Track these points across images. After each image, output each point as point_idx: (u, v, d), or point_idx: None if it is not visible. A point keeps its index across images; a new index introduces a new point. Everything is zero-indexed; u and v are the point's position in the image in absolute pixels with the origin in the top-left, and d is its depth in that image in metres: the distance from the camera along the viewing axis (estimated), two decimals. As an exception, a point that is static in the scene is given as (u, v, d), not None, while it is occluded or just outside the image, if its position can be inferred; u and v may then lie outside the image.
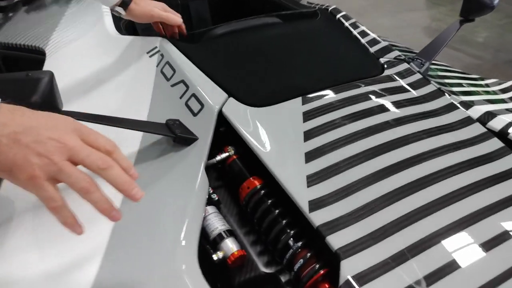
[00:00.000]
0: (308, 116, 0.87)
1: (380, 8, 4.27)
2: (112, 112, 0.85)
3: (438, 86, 1.01)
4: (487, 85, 1.26)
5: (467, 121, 0.90)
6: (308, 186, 0.74)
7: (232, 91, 0.93)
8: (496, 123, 0.91)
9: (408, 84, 1.00)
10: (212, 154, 0.86)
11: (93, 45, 1.31)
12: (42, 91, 0.71)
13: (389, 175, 0.75)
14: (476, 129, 0.88)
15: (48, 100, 0.73)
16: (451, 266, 0.62)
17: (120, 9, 1.09)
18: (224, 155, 0.87)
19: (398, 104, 0.93)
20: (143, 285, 0.66)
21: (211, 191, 0.85)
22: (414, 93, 0.97)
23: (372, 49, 1.15)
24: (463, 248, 0.64)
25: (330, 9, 1.39)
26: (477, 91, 1.18)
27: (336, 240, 0.65)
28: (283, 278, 0.76)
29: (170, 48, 1.08)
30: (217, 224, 0.79)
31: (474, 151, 0.82)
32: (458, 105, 0.95)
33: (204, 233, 0.79)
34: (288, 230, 0.73)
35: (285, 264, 0.72)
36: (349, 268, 0.62)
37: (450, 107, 0.94)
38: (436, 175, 0.76)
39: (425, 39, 3.13)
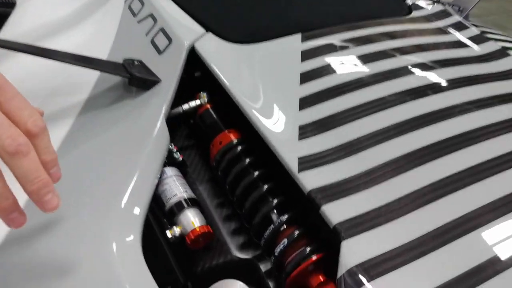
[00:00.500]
0: (308, 55, 0.66)
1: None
2: (71, 50, 0.66)
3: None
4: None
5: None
6: (300, 139, 0.52)
7: (211, 25, 0.72)
8: None
9: (443, 26, 0.77)
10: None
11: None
12: None
13: (411, 130, 0.54)
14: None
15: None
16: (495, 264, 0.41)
17: None
18: (193, 103, 0.66)
19: (426, 47, 0.71)
20: (65, 259, 0.46)
21: (175, 149, 0.64)
22: (453, 36, 0.74)
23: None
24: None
25: None
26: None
27: (336, 212, 0.44)
28: (264, 267, 0.55)
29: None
30: (176, 190, 0.58)
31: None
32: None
33: (159, 202, 0.58)
34: (270, 199, 0.52)
35: (263, 245, 0.51)
36: (353, 253, 0.41)
37: (502, 53, 0.71)
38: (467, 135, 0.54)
39: None
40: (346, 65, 0.65)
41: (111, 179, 0.55)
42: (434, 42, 0.74)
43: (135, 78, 0.65)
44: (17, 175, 0.34)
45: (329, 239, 0.45)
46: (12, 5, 1.29)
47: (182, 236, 0.55)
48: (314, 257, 0.46)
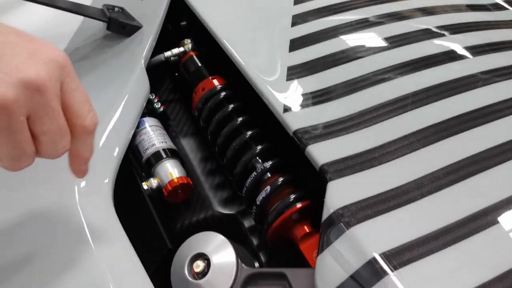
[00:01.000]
0: (301, -1, 0.60)
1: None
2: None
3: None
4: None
5: None
6: (287, 80, 0.47)
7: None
8: None
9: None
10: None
11: None
12: None
13: (412, 71, 0.48)
14: None
15: None
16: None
17: None
18: (176, 50, 0.61)
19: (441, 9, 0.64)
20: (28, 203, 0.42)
21: (155, 100, 0.59)
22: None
23: None
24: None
25: None
26: None
27: (323, 152, 0.39)
28: (247, 223, 0.51)
29: None
30: (154, 140, 0.53)
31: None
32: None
33: (136, 153, 0.54)
34: (253, 146, 0.47)
35: (245, 195, 0.46)
36: (340, 195, 0.36)
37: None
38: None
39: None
40: (343, 7, 0.59)
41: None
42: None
43: (114, 22, 0.60)
44: (80, 149, 0.34)
45: (316, 188, 0.40)
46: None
47: (160, 189, 0.50)
48: (298, 205, 0.41)
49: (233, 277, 0.41)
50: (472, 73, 0.47)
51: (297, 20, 0.56)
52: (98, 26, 0.65)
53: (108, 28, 0.61)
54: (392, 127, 0.41)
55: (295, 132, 0.41)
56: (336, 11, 0.58)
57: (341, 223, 0.34)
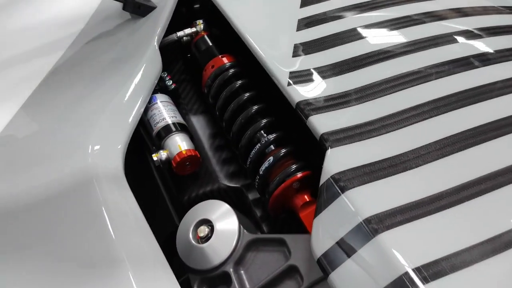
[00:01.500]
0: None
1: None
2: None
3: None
4: None
5: None
6: (293, 56, 0.48)
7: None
8: None
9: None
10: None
11: None
12: None
13: (416, 51, 0.49)
14: None
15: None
16: None
17: None
18: (189, 30, 0.63)
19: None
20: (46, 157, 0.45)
21: (167, 78, 0.61)
22: None
23: None
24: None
25: None
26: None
27: (324, 122, 0.40)
28: (252, 196, 0.53)
29: None
30: (165, 115, 0.55)
31: None
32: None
33: (147, 127, 0.56)
34: (258, 119, 0.49)
35: (249, 166, 0.48)
36: (338, 161, 0.37)
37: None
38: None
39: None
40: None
41: (100, 98, 0.53)
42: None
43: (129, 3, 0.62)
44: None
45: (317, 160, 0.41)
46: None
47: (169, 160, 0.52)
48: (299, 174, 0.43)
49: (234, 242, 0.43)
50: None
51: (307, 1, 0.57)
52: (115, 7, 0.68)
53: (124, 8, 0.63)
54: (393, 101, 0.42)
55: (297, 104, 0.42)
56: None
57: (337, 188, 0.35)
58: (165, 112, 0.56)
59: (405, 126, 0.40)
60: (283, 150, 0.45)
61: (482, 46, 0.48)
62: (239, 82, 0.53)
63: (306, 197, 0.43)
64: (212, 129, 0.60)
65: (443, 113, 0.41)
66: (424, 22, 0.52)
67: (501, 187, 0.35)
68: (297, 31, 0.52)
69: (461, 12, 0.54)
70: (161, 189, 0.55)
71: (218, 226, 0.44)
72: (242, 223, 0.44)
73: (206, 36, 0.61)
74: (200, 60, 0.60)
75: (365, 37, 0.51)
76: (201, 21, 0.63)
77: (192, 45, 0.63)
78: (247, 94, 0.51)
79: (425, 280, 0.29)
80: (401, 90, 0.43)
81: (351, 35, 0.51)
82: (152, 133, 0.55)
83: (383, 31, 0.52)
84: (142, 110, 0.53)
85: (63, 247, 0.37)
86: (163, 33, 0.60)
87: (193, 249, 0.43)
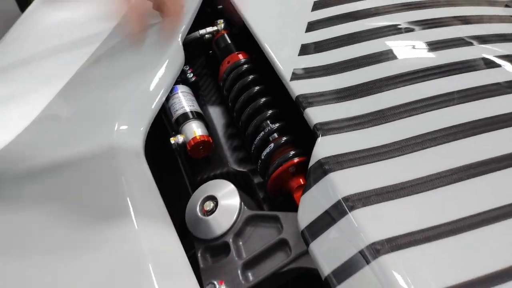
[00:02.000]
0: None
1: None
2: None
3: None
4: None
5: None
6: (299, 55, 0.54)
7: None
8: None
9: None
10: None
11: None
12: None
13: (414, 53, 0.53)
14: None
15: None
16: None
17: None
18: (210, 28, 0.69)
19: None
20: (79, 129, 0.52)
21: (189, 71, 0.68)
22: None
23: None
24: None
25: None
26: None
27: (318, 114, 0.46)
28: (257, 180, 0.58)
29: None
30: (184, 103, 0.61)
31: None
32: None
33: (168, 114, 0.62)
34: (264, 110, 0.54)
35: (253, 151, 0.54)
36: (327, 147, 0.42)
37: None
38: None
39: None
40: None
41: (128, 86, 0.59)
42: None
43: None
44: None
45: (312, 148, 0.47)
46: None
47: (184, 144, 0.58)
48: (296, 160, 0.48)
49: (235, 216, 0.48)
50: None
51: (318, 5, 0.62)
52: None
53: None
54: (383, 97, 0.47)
55: (297, 97, 0.47)
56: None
57: (322, 170, 0.40)
58: (184, 101, 0.62)
59: (394, 120, 0.44)
60: (284, 138, 0.50)
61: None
62: (251, 76, 0.58)
63: (301, 180, 0.48)
64: (226, 119, 0.66)
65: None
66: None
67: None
68: (305, 32, 0.58)
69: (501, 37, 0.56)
70: (181, 169, 0.62)
71: (222, 202, 0.50)
72: (244, 201, 0.50)
73: (226, 35, 0.68)
74: (219, 56, 0.66)
75: (370, 40, 0.55)
76: (222, 20, 0.69)
77: (213, 42, 0.69)
78: (256, 88, 0.57)
79: (388, 251, 0.34)
80: (399, 87, 0.48)
81: (356, 37, 0.56)
82: (172, 119, 0.61)
83: (391, 33, 0.56)
84: (164, 98, 0.59)
85: (82, 201, 0.44)
86: (187, 31, 0.67)
87: (199, 220, 0.49)
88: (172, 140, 0.58)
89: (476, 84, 0.47)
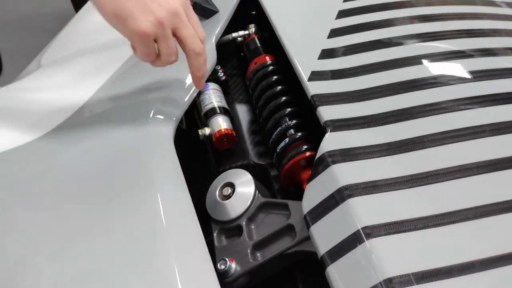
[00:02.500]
0: (354, -3, 0.70)
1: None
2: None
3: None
4: None
5: None
6: (319, 58, 0.58)
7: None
8: None
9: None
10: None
11: None
12: None
13: (420, 62, 0.56)
14: None
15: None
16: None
17: None
18: (242, 32, 0.74)
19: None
20: (116, 132, 0.59)
21: (220, 70, 0.73)
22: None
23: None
24: None
25: None
26: None
27: (329, 113, 0.50)
28: (273, 173, 0.63)
29: None
30: (213, 99, 0.67)
31: None
32: None
33: (198, 108, 0.68)
34: (283, 108, 0.59)
35: (270, 145, 0.58)
36: (332, 142, 0.46)
37: None
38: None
39: None
40: (390, 10, 0.68)
41: (164, 80, 0.66)
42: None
43: (197, 6, 0.75)
44: (194, 66, 0.53)
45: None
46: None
47: (210, 136, 0.64)
48: (307, 154, 0.52)
49: (249, 202, 0.53)
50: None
51: (342, 14, 0.66)
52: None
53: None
54: (394, 100, 0.50)
55: (312, 96, 0.52)
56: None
57: (327, 161, 0.44)
58: (213, 97, 0.68)
59: (398, 121, 0.48)
60: (298, 134, 0.55)
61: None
62: (274, 77, 0.63)
63: (311, 173, 0.52)
64: (250, 116, 0.71)
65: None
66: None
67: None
68: (327, 38, 0.62)
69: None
70: (211, 158, 0.68)
71: (239, 189, 0.55)
72: (258, 190, 0.55)
73: (256, 38, 0.73)
74: (248, 57, 0.71)
75: (387, 47, 0.59)
76: (253, 25, 0.74)
77: (244, 45, 0.74)
78: (278, 87, 0.62)
79: (377, 235, 0.38)
80: (403, 93, 0.51)
81: (375, 45, 0.60)
82: (201, 113, 0.67)
83: (414, 47, 0.60)
84: (196, 93, 0.65)
85: (113, 182, 0.50)
86: (221, 33, 0.73)
87: (217, 204, 0.55)
88: (200, 132, 0.64)
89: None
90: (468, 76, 0.53)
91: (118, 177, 0.50)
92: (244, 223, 0.52)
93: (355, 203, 0.41)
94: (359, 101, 0.51)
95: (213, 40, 0.71)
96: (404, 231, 0.39)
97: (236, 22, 0.78)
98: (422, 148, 0.45)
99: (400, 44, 0.60)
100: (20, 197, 0.50)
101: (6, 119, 0.62)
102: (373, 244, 0.38)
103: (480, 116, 0.48)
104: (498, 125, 0.47)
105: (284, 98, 0.60)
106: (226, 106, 0.67)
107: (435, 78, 0.53)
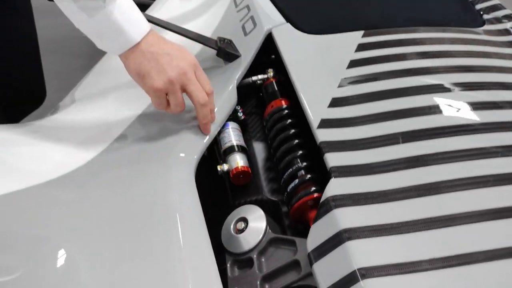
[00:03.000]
0: (363, 47, 0.76)
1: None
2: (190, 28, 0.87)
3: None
4: None
5: None
6: (329, 106, 0.64)
7: (291, 17, 0.86)
8: None
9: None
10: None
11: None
12: None
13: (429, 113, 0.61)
14: None
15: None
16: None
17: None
18: (261, 76, 0.81)
19: (493, 56, 0.75)
20: (140, 171, 0.65)
21: (240, 110, 0.80)
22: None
23: (477, 6, 0.96)
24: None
25: None
26: None
27: (335, 159, 0.55)
28: (284, 209, 0.68)
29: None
30: (232, 138, 0.73)
31: None
32: None
33: (218, 145, 0.74)
34: (295, 150, 0.64)
35: (282, 184, 0.64)
36: (336, 187, 0.51)
37: None
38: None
39: None
40: (401, 56, 0.73)
41: (189, 118, 0.72)
42: (502, 53, 0.78)
43: (221, 51, 0.82)
44: (200, 116, 0.65)
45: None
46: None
47: (228, 172, 0.70)
48: (315, 195, 0.57)
49: (260, 237, 0.58)
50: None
51: (353, 64, 0.72)
52: (211, 52, 0.89)
53: (217, 55, 0.84)
54: (399, 148, 0.55)
55: (320, 143, 0.57)
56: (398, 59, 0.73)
57: (329, 206, 0.49)
58: (232, 136, 0.74)
59: (400, 169, 0.53)
60: (308, 176, 0.60)
61: None
62: (288, 120, 0.69)
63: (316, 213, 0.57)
64: (266, 154, 0.76)
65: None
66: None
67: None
68: (338, 87, 0.67)
69: None
70: (228, 191, 0.74)
71: (251, 224, 0.60)
72: (269, 225, 0.60)
73: (274, 82, 0.79)
74: (266, 99, 0.77)
75: (394, 98, 0.64)
76: (271, 69, 0.81)
77: (263, 87, 0.81)
78: (292, 131, 0.67)
79: (367, 277, 0.42)
80: (410, 141, 0.56)
81: (381, 95, 0.65)
82: (221, 150, 0.73)
83: (410, 94, 0.65)
84: (217, 132, 0.72)
85: (138, 220, 0.56)
86: (242, 76, 0.79)
87: (231, 237, 0.60)
88: (219, 168, 0.70)
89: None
90: (474, 123, 0.58)
91: (143, 216, 0.56)
92: (255, 256, 0.57)
93: (353, 245, 0.45)
94: (364, 149, 0.56)
95: (234, 83, 0.77)
96: (400, 273, 0.43)
97: (256, 66, 0.84)
98: (424, 196, 0.49)
99: (408, 94, 0.65)
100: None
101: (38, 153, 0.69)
102: (367, 284, 0.42)
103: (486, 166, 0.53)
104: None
105: (296, 141, 0.66)
106: (243, 144, 0.73)
107: (443, 128, 0.58)
